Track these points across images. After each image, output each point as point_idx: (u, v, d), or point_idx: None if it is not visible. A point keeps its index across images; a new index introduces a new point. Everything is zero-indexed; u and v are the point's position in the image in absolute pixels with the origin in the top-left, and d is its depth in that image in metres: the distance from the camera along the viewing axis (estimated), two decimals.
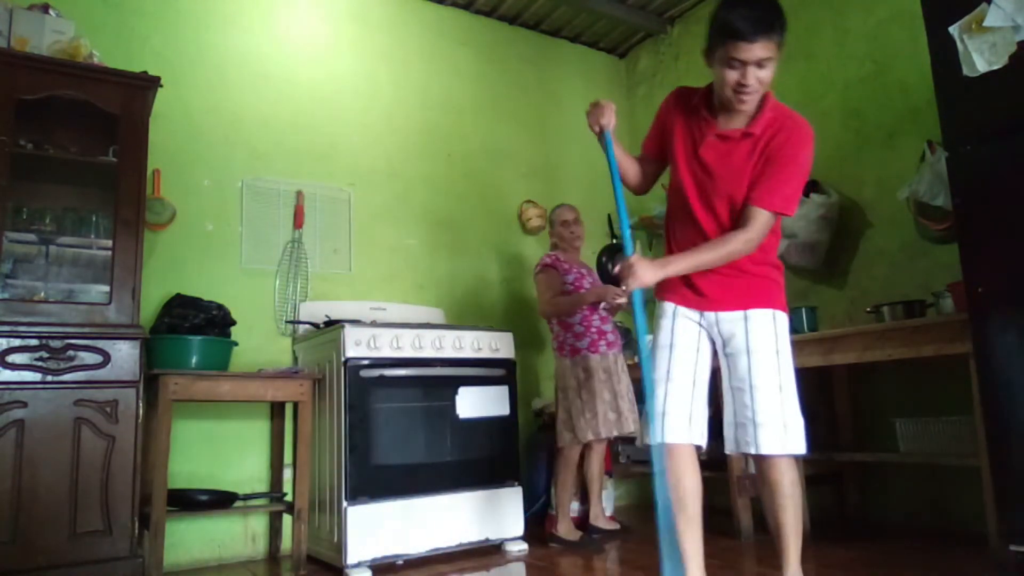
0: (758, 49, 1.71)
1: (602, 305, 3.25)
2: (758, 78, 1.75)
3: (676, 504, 1.88)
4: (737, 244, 1.81)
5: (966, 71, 2.34)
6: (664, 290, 2.02)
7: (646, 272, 1.80)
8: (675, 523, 1.89)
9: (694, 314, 1.97)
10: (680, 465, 1.90)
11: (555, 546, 3.10)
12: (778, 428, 1.83)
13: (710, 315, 1.94)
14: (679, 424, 1.89)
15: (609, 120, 1.97)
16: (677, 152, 1.98)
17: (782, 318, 1.92)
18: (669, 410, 1.90)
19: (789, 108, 1.90)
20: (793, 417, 1.85)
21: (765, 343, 1.87)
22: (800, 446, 1.84)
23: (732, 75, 1.76)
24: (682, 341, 1.95)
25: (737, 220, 1.87)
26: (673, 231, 2.04)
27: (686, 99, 2.00)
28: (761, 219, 1.81)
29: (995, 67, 2.27)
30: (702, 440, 1.93)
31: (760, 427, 1.83)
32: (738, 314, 1.89)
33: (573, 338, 3.22)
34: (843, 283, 3.47)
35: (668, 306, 2.01)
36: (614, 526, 3.35)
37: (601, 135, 1.98)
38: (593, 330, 3.22)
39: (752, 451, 1.85)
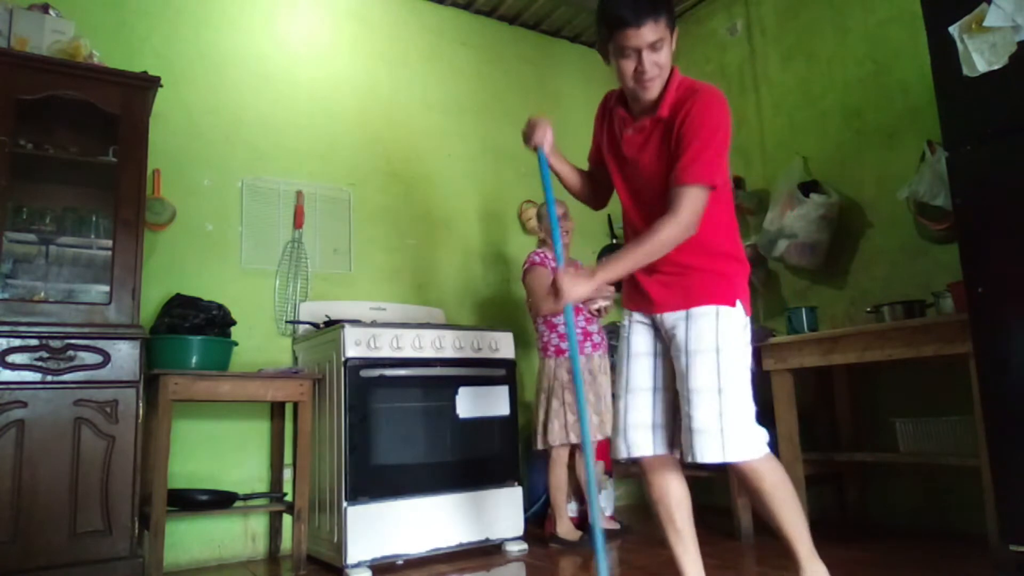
0: (647, 33, 1.65)
1: (594, 306, 3.25)
2: (654, 62, 1.69)
3: (663, 519, 1.83)
4: (668, 230, 1.65)
5: (966, 71, 2.34)
6: (625, 297, 1.98)
7: (574, 286, 1.68)
8: (666, 539, 1.84)
9: (646, 318, 1.89)
10: (660, 478, 1.83)
11: (555, 546, 3.10)
12: (714, 435, 1.67)
13: (657, 317, 1.85)
14: (642, 437, 1.81)
15: (542, 137, 1.92)
16: (607, 158, 1.93)
17: (728, 314, 1.76)
18: (630, 423, 1.82)
19: (696, 80, 1.80)
20: (733, 422, 1.69)
21: (704, 343, 1.73)
22: (743, 454, 1.68)
23: (628, 65, 1.71)
24: (638, 348, 1.88)
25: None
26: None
27: (606, 102, 1.95)
28: (686, 196, 1.66)
29: (995, 67, 2.27)
30: (671, 448, 1.83)
31: (695, 433, 1.69)
32: (680, 314, 1.78)
33: (558, 338, 3.22)
34: (843, 283, 3.47)
35: (626, 314, 1.96)
36: (614, 526, 3.35)
37: (535, 152, 1.95)
38: (578, 331, 3.21)
39: (690, 459, 1.71)
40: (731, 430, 1.68)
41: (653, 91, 1.74)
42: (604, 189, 2.05)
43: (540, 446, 3.21)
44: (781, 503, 1.73)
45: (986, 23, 2.28)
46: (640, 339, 1.89)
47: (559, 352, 3.21)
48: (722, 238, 1.81)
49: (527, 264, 3.31)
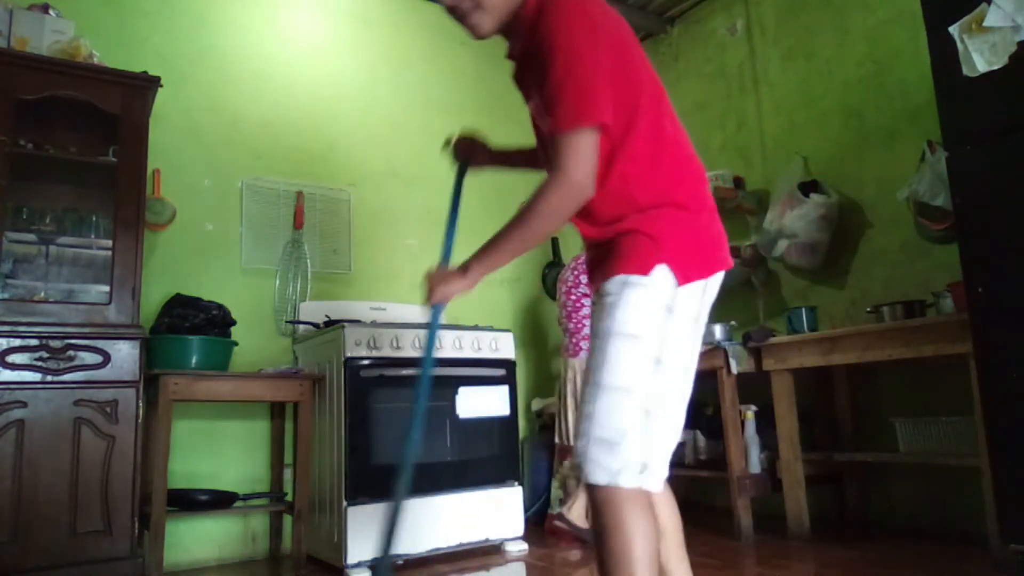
0: None
1: None
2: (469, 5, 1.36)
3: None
4: (545, 194, 1.27)
5: (966, 71, 2.33)
6: None
7: (444, 285, 1.40)
8: None
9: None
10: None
11: (561, 525, 3.08)
12: (581, 446, 1.27)
13: None
14: None
15: (469, 153, 1.54)
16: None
17: (637, 287, 1.28)
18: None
19: None
20: (593, 431, 1.25)
21: (600, 325, 1.30)
22: (594, 474, 1.24)
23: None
24: None
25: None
26: None
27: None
28: (561, 149, 1.24)
29: (995, 67, 2.26)
30: None
31: (576, 442, 1.30)
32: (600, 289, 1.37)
33: None
34: (843, 283, 3.47)
35: None
36: None
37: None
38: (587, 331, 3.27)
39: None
40: (590, 441, 1.26)
41: (479, 29, 1.37)
42: None
43: (558, 440, 3.29)
44: (607, 554, 1.22)
45: (986, 23, 2.27)
46: None
47: None
48: (642, 188, 1.32)
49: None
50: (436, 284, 1.42)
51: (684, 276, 1.29)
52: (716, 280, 1.38)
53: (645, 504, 1.25)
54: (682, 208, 1.32)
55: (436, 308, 1.48)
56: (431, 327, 1.56)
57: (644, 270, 1.28)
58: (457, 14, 1.38)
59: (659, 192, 1.33)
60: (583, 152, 1.24)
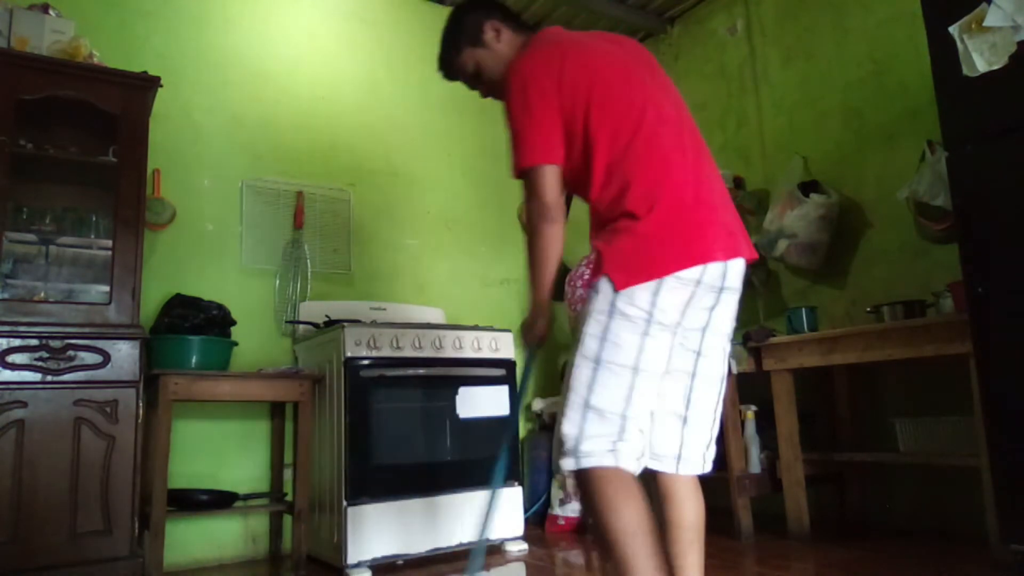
0: (455, 78, 2.01)
1: None
2: (480, 86, 1.95)
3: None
4: (529, 223, 1.58)
5: (966, 71, 2.34)
6: None
7: (533, 326, 1.72)
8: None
9: None
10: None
11: None
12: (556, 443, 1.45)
13: None
14: None
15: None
16: None
17: (604, 287, 1.42)
18: None
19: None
20: (560, 424, 1.42)
21: (582, 327, 1.47)
22: (564, 463, 1.40)
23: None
24: None
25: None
26: None
27: None
28: (524, 186, 1.56)
29: (995, 67, 2.27)
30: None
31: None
32: None
33: None
34: (843, 283, 3.47)
35: None
36: None
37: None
38: None
39: None
40: (559, 432, 1.43)
41: (492, 95, 1.96)
42: None
43: None
44: (603, 537, 1.35)
45: (986, 23, 2.28)
46: None
47: None
48: (603, 207, 1.49)
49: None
50: (527, 331, 1.73)
51: (622, 282, 1.40)
52: (711, 275, 1.48)
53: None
54: (630, 216, 1.43)
55: (530, 350, 1.79)
56: (527, 367, 1.87)
57: (608, 270, 1.42)
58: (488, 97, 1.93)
59: (613, 206, 1.46)
60: (531, 188, 1.52)
